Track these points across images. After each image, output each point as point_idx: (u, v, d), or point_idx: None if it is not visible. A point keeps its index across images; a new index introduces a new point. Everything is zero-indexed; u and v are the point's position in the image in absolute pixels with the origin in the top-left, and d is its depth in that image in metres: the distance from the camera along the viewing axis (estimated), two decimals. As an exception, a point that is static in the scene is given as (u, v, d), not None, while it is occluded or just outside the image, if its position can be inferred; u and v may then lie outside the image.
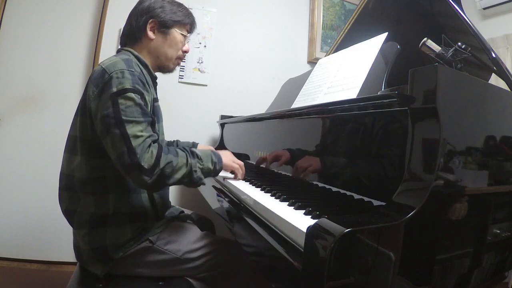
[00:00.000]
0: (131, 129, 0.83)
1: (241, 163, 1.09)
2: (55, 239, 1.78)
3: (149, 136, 0.85)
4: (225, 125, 1.85)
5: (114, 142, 0.83)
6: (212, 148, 1.21)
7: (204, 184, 0.96)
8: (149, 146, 0.84)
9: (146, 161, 0.82)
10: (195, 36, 2.05)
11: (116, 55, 0.96)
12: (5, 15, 1.78)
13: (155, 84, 1.09)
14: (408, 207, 0.50)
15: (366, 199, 0.68)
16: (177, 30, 1.04)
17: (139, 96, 0.87)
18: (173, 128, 1.95)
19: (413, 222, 0.49)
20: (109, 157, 0.88)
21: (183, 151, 0.91)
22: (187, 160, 0.89)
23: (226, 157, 1.04)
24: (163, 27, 1.02)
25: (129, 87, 0.85)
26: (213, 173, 0.96)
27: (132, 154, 0.81)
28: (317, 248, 0.46)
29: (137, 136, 0.83)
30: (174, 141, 1.46)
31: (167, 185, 0.87)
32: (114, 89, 0.84)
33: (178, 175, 0.87)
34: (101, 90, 0.87)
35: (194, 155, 0.92)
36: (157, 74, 1.11)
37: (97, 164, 0.91)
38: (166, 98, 1.93)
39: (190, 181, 0.90)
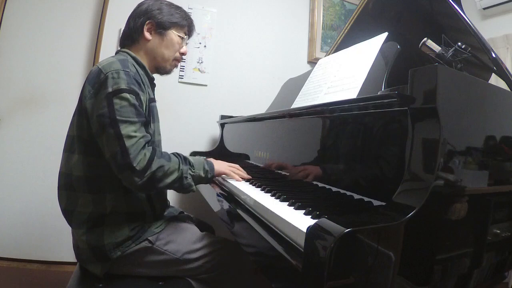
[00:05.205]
0: (125, 129, 0.84)
1: (236, 166, 1.09)
2: (55, 239, 1.78)
3: (142, 137, 0.86)
4: (225, 125, 1.85)
5: (109, 141, 0.84)
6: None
7: (194, 191, 0.97)
8: (143, 148, 0.85)
9: (139, 162, 0.83)
10: (195, 36, 2.04)
11: (113, 56, 0.98)
12: (5, 15, 1.78)
13: (152, 85, 1.09)
14: (408, 207, 0.50)
15: (366, 199, 0.68)
16: (174, 31, 1.06)
17: (134, 97, 0.88)
18: (173, 128, 1.96)
19: (413, 222, 0.49)
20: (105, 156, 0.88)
21: (176, 157, 0.93)
22: (179, 166, 0.91)
23: (219, 165, 1.05)
24: (160, 28, 1.03)
25: (124, 87, 0.86)
26: (204, 180, 0.98)
27: (125, 154, 0.83)
28: (317, 248, 0.46)
29: (130, 137, 0.84)
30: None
31: (157, 188, 0.89)
32: (110, 89, 0.86)
33: (169, 180, 0.89)
34: (97, 90, 0.88)
35: (186, 161, 0.94)
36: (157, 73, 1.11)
37: (93, 162, 0.91)
38: (166, 98, 1.93)
39: (180, 186, 0.92)
